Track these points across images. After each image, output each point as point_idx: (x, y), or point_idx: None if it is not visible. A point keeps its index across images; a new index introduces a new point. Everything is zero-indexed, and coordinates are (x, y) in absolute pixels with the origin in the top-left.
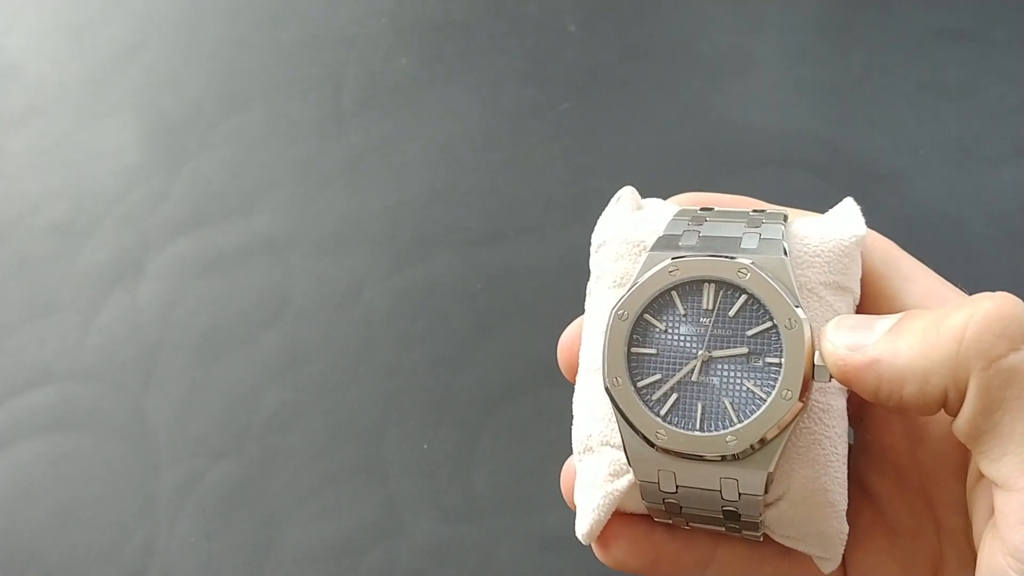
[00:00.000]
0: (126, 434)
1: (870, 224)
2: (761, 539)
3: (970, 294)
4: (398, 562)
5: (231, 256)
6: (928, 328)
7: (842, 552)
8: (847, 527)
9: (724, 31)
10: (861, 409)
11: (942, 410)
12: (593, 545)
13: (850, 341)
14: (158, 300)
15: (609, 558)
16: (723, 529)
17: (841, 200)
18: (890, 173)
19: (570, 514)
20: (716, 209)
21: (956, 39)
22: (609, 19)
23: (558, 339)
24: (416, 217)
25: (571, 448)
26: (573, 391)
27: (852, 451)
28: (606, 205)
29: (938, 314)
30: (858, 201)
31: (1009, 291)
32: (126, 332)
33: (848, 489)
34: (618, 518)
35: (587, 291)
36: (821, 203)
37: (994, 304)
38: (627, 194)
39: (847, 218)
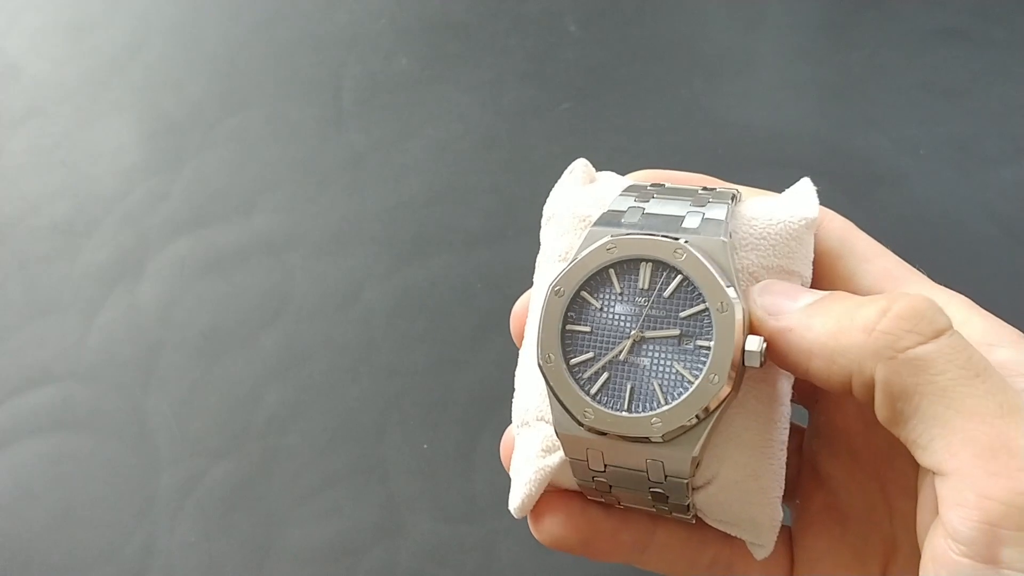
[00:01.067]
0: (126, 434)
1: (870, 223)
2: (693, 521)
3: (970, 295)
4: (398, 562)
5: (231, 256)
6: (844, 313)
7: (775, 539)
8: (781, 514)
9: (724, 31)
10: (816, 390)
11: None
12: (528, 519)
13: (771, 305)
14: (158, 300)
15: (542, 533)
16: (655, 510)
17: (841, 201)
18: (890, 173)
19: None
20: (667, 186)
21: (956, 39)
22: (609, 19)
23: None
24: (416, 217)
25: None
26: None
27: (805, 434)
28: None
29: (858, 301)
30: (858, 201)
31: (1009, 291)
32: (126, 332)
33: (801, 473)
34: (553, 493)
35: (536, 264)
36: (821, 203)
37: (907, 301)
38: (579, 166)
39: (800, 200)
